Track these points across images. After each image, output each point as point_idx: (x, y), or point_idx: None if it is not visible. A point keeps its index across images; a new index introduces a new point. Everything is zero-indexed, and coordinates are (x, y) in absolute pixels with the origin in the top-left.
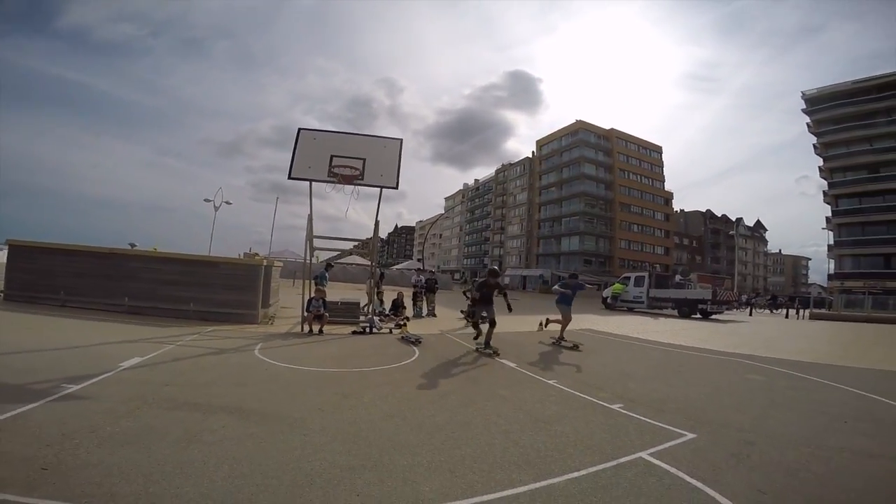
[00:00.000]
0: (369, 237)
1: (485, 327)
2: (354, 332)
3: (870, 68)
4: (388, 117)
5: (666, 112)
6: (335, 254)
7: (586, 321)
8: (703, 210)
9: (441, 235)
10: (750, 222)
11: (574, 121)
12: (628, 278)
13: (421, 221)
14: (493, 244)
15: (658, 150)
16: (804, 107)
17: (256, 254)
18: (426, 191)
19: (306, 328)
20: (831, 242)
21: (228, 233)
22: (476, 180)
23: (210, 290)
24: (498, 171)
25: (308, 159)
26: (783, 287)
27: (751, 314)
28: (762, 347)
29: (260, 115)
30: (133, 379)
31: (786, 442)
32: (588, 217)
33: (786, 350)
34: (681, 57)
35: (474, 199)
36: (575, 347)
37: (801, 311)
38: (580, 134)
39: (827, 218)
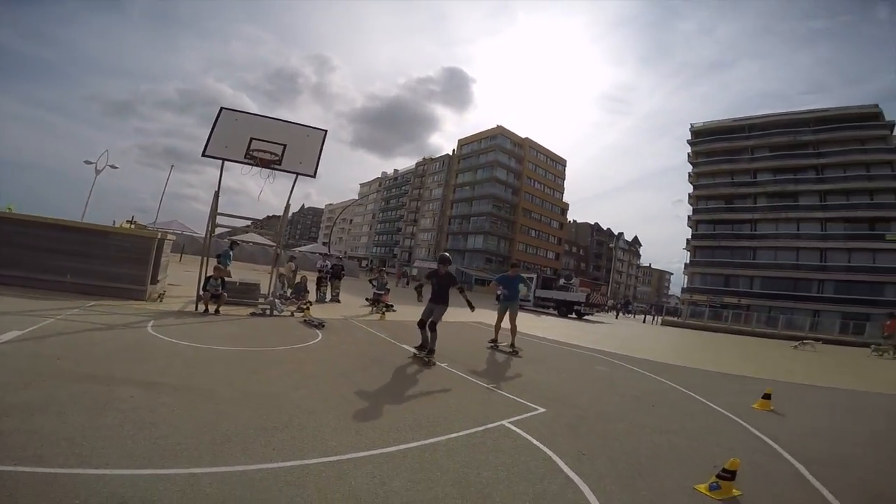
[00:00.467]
0: (272, 215)
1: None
2: (253, 314)
3: (756, 107)
4: (312, 95)
5: (580, 127)
6: (234, 230)
7: (478, 315)
8: (592, 223)
9: (351, 221)
10: (630, 236)
11: (495, 125)
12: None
13: (331, 205)
14: (405, 235)
15: (563, 162)
16: (689, 137)
17: (144, 226)
18: (340, 174)
19: (202, 307)
20: (687, 261)
21: (106, 197)
22: (396, 170)
23: (93, 261)
24: (418, 164)
25: (226, 139)
26: (650, 296)
27: (617, 317)
28: (615, 345)
29: (166, 76)
30: (18, 353)
31: (608, 418)
32: (494, 218)
33: (633, 348)
34: (604, 76)
35: (391, 189)
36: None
37: (655, 318)
38: (498, 139)
39: (687, 240)
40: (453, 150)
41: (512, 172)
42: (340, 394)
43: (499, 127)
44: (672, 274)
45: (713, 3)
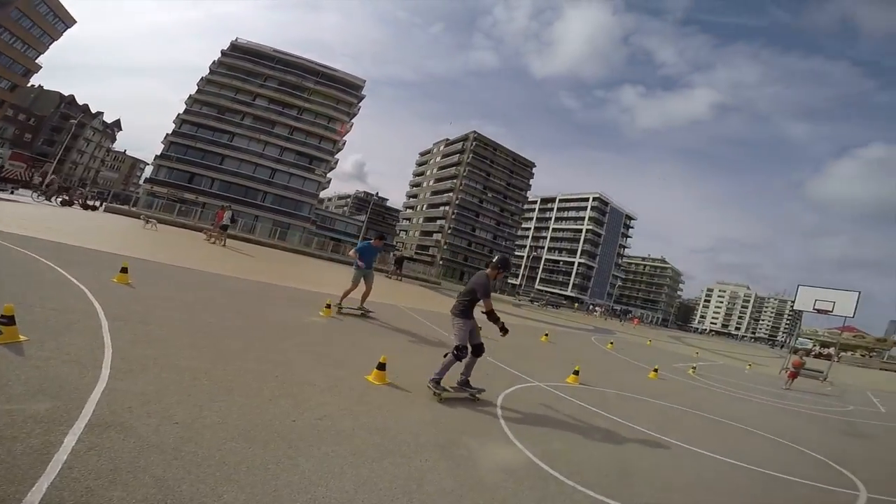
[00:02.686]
0: None
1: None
2: None
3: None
4: None
5: None
6: None
7: None
8: (68, 94)
9: None
10: (112, 118)
11: None
12: None
13: None
14: None
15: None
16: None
17: None
18: None
19: None
20: (159, 153)
21: None
22: None
23: None
24: None
25: None
26: (114, 182)
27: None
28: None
29: None
30: None
31: None
32: None
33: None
34: None
35: None
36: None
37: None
38: None
39: (167, 133)
40: None
41: None
42: None
43: None
44: (147, 164)
45: None
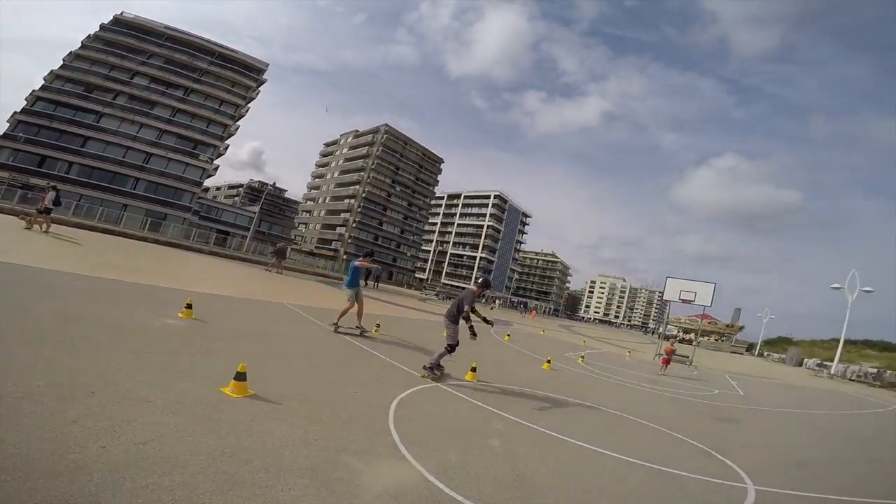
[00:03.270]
0: None
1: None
2: None
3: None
4: None
5: None
6: None
7: None
8: None
9: None
10: None
11: None
12: None
13: None
14: None
15: None
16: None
17: None
18: None
19: None
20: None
21: None
22: None
23: None
24: None
25: None
26: None
27: None
28: None
29: None
30: None
31: None
32: None
33: None
34: None
35: None
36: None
37: None
38: None
39: (15, 111)
40: None
41: None
42: None
43: None
44: None
45: None
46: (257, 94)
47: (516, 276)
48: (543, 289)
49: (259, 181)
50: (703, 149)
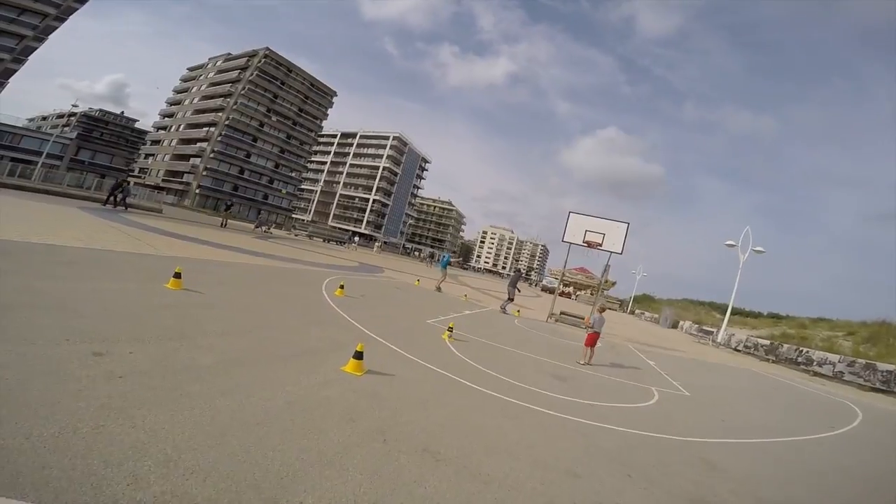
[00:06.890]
0: None
1: None
2: None
3: None
4: None
5: None
6: None
7: None
8: None
9: None
10: None
11: None
12: None
13: None
14: None
15: None
16: None
17: None
18: None
19: None
20: None
21: None
22: None
23: None
24: None
25: None
26: None
27: None
28: None
29: None
30: None
31: None
32: None
33: None
34: None
35: None
36: None
37: None
38: None
39: None
40: None
41: None
42: None
43: None
44: None
45: None
46: None
47: (411, 222)
48: (438, 236)
49: (99, 109)
50: (590, 119)
